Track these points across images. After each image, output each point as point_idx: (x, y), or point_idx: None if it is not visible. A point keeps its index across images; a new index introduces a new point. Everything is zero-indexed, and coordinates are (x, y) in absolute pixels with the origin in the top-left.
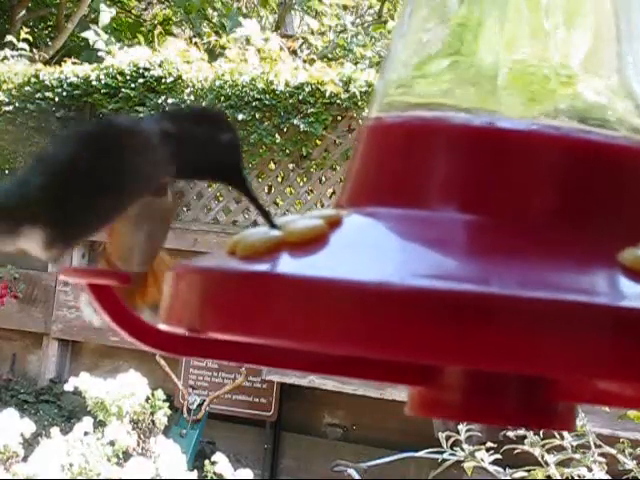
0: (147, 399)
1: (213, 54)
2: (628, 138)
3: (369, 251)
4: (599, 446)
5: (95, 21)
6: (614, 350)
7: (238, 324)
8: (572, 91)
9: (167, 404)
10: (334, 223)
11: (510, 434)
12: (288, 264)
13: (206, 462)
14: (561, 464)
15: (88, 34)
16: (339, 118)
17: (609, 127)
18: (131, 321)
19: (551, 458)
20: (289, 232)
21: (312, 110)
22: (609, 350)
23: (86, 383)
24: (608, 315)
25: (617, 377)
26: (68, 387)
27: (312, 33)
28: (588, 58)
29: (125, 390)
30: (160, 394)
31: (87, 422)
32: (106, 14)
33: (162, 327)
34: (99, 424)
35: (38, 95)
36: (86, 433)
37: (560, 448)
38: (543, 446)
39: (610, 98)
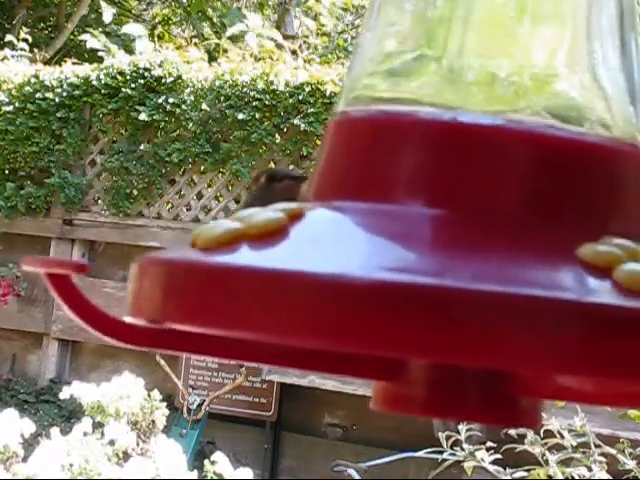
0: (144, 400)
1: (213, 56)
2: (597, 135)
3: (330, 244)
4: (599, 446)
5: (96, 21)
6: (569, 344)
7: (198, 316)
8: (542, 88)
9: (164, 404)
10: (296, 216)
11: (511, 432)
12: (247, 256)
13: (206, 462)
14: (561, 463)
15: (89, 40)
16: None
17: (578, 123)
18: (92, 313)
19: (552, 457)
20: (249, 225)
21: (312, 110)
22: (565, 344)
23: (81, 389)
24: (562, 309)
25: (572, 372)
26: (63, 395)
27: (312, 33)
28: (559, 55)
29: (121, 392)
30: (157, 394)
31: (86, 422)
32: (109, 13)
33: (125, 319)
34: (98, 425)
35: (38, 95)
36: (85, 434)
37: (560, 447)
38: (545, 444)
39: (580, 95)
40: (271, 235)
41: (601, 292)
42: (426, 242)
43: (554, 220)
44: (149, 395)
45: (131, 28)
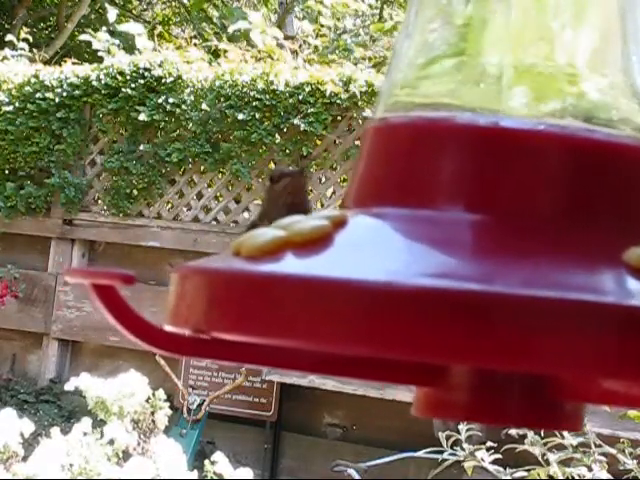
0: (148, 399)
1: (217, 54)
2: (633, 137)
3: (374, 251)
4: (599, 446)
5: (97, 21)
6: (620, 349)
7: (244, 325)
8: (577, 90)
9: (168, 404)
10: (339, 223)
11: (512, 432)
12: (293, 264)
13: (206, 462)
14: (562, 463)
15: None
16: (339, 118)
17: (614, 126)
18: (136, 322)
19: (552, 457)
20: (294, 232)
21: (312, 110)
22: (615, 349)
23: (87, 383)
24: (614, 314)
25: (623, 376)
26: (69, 387)
27: (313, 33)
28: (594, 57)
29: (126, 390)
30: (161, 394)
31: (86, 423)
32: (112, 13)
33: (167, 328)
34: (99, 424)
35: (38, 95)
36: (85, 434)
37: (560, 447)
38: (545, 444)
39: (615, 97)
40: (316, 243)
41: None
42: (468, 247)
43: (593, 223)
44: (153, 394)
45: (130, 27)
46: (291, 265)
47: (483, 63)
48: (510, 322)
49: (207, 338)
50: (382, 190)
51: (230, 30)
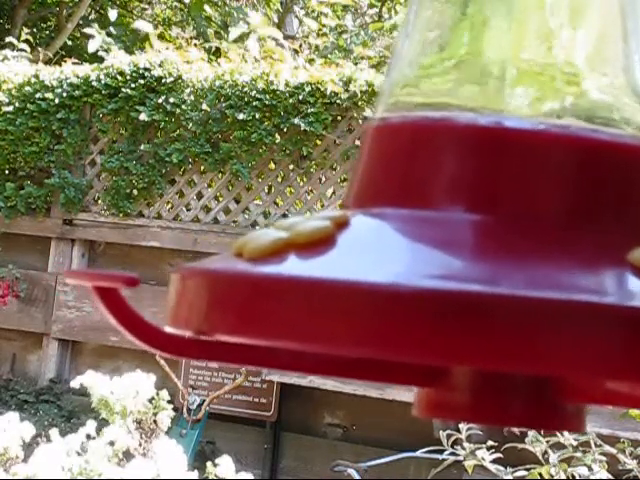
0: (151, 399)
1: (219, 53)
2: (635, 137)
3: (377, 252)
4: (599, 445)
5: (97, 21)
6: (625, 350)
7: (246, 326)
8: (578, 90)
9: (171, 405)
10: (341, 224)
11: (513, 430)
12: (296, 265)
13: (208, 464)
14: (562, 462)
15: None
16: (339, 118)
17: (616, 126)
18: (138, 324)
19: (553, 455)
20: (296, 233)
21: (312, 110)
22: (620, 350)
23: (92, 380)
24: (618, 315)
25: (627, 377)
26: (74, 383)
27: (313, 31)
28: (594, 57)
29: (130, 389)
30: (165, 394)
31: (90, 425)
32: (113, 12)
33: (169, 329)
34: (101, 423)
35: (38, 95)
36: (89, 436)
37: (561, 446)
38: (547, 442)
39: (617, 97)
40: (318, 244)
41: None
42: (471, 248)
43: (596, 223)
44: (157, 395)
45: (140, 24)
46: (293, 266)
47: (484, 62)
48: (514, 324)
49: (209, 340)
50: (383, 190)
51: (230, 38)
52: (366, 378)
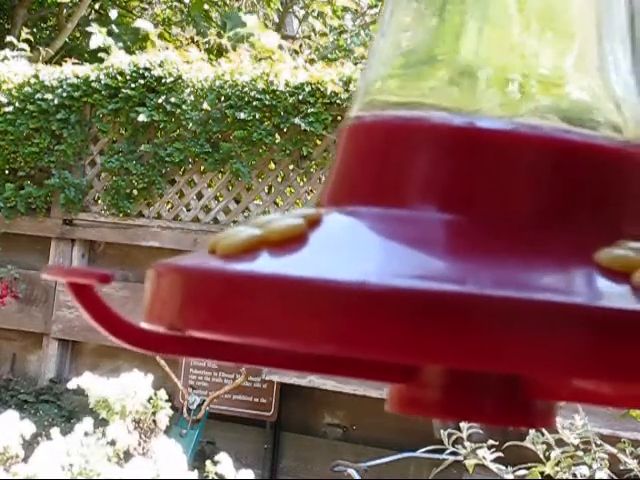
0: (150, 399)
1: (220, 52)
2: (609, 138)
3: (349, 250)
4: (600, 445)
5: (97, 21)
6: (589, 349)
7: (217, 323)
8: (553, 91)
9: (169, 405)
10: (315, 222)
11: (513, 430)
12: (268, 263)
13: (208, 462)
14: (563, 460)
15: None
16: (339, 118)
17: (590, 127)
18: (112, 320)
19: (554, 454)
20: (269, 231)
21: (312, 110)
22: (584, 349)
23: (89, 382)
24: (583, 314)
25: (591, 375)
26: (71, 385)
27: (313, 31)
28: (569, 58)
29: (129, 389)
30: (163, 394)
31: (87, 423)
32: (114, 12)
33: (143, 325)
34: (100, 424)
35: (38, 95)
36: (86, 434)
37: (562, 443)
38: (545, 442)
39: (592, 98)
40: (291, 241)
41: (620, 297)
42: (442, 248)
43: (569, 224)
44: (155, 394)
45: (141, 23)
46: (265, 264)
47: (458, 62)
48: (482, 323)
49: (183, 336)
50: (357, 189)
51: (226, 37)
52: (338, 373)
